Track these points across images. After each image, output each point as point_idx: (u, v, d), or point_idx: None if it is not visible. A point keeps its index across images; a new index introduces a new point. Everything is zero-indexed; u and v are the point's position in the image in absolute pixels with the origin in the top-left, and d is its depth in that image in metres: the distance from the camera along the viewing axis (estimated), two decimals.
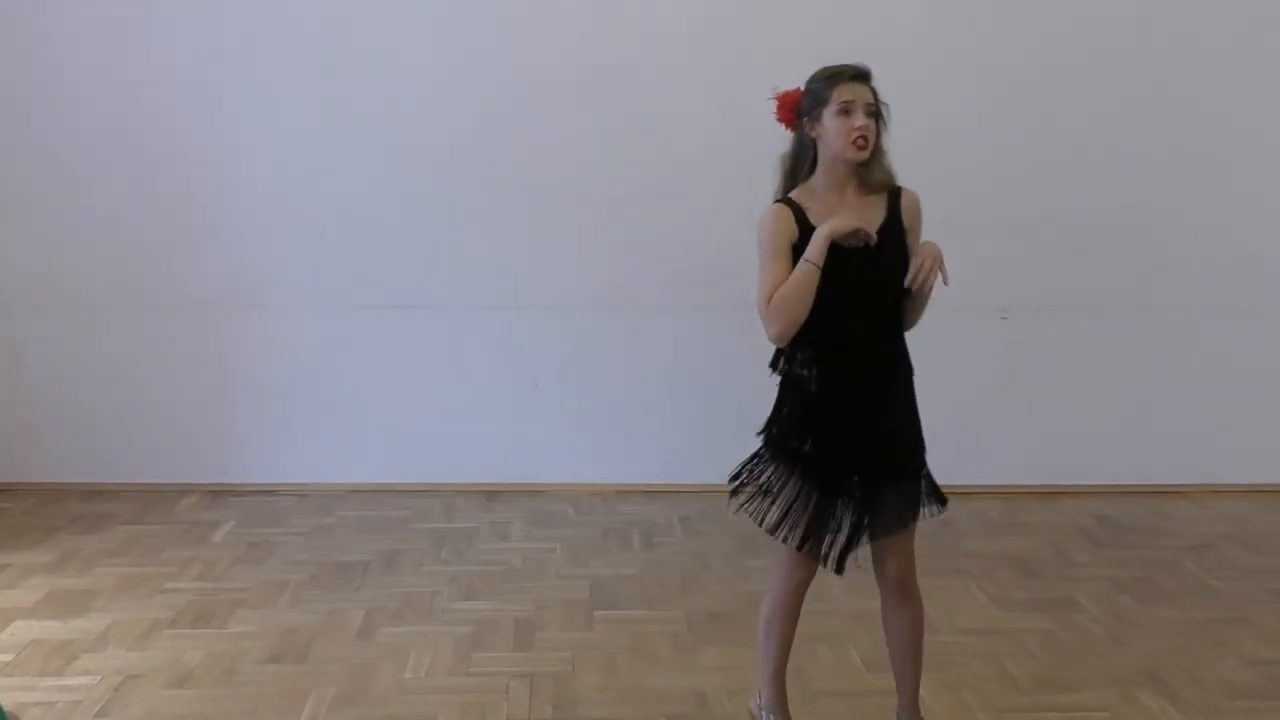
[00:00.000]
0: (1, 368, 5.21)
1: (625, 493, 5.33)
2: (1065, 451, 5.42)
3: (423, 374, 5.28)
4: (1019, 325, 5.13)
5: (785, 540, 2.76)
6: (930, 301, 2.67)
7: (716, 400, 5.35)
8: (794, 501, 2.74)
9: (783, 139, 5.32)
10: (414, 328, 5.26)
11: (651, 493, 5.33)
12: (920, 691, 2.99)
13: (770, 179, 5.35)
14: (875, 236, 2.57)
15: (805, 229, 2.64)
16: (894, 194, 2.71)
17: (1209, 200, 5.33)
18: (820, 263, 2.56)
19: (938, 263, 2.58)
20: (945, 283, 2.58)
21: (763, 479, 2.80)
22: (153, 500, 5.12)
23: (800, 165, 2.75)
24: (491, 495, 5.28)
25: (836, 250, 2.59)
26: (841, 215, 2.59)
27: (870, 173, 2.67)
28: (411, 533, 4.80)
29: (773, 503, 2.77)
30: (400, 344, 5.26)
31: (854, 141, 2.60)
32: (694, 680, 3.47)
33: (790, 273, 2.61)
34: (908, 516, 2.76)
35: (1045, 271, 5.17)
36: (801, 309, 2.59)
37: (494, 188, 5.17)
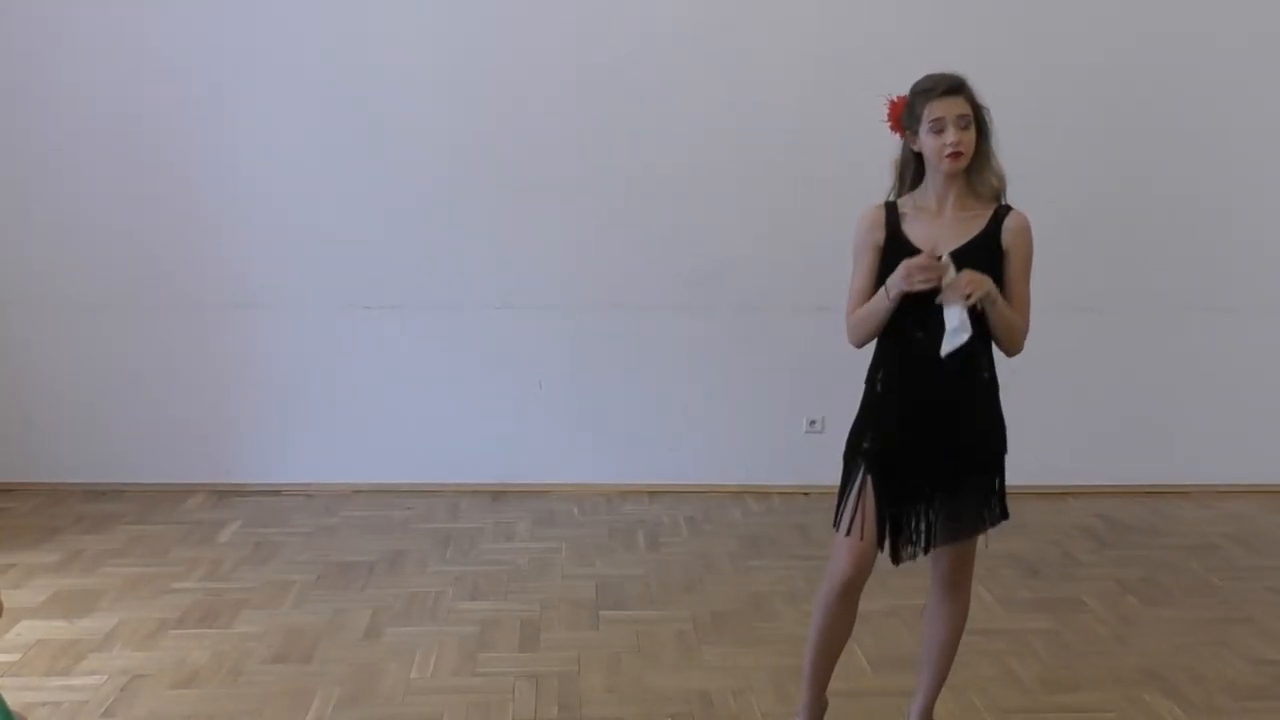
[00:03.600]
0: (6, 367, 5.22)
1: (629, 493, 5.34)
2: (1069, 452, 5.42)
3: (427, 374, 5.28)
4: None
5: (835, 525, 2.81)
6: (1014, 334, 2.69)
7: (721, 400, 5.36)
8: (849, 492, 2.79)
9: (777, 143, 5.37)
10: (418, 328, 5.27)
11: (656, 493, 5.33)
12: (937, 704, 3.03)
13: (768, 179, 5.40)
14: (932, 272, 2.59)
15: (894, 232, 2.71)
16: (1001, 211, 2.70)
17: (1211, 199, 5.33)
18: (893, 299, 2.65)
19: (972, 285, 2.57)
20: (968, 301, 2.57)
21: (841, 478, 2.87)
22: (158, 500, 5.13)
23: (906, 173, 2.79)
24: (496, 495, 5.29)
25: (907, 255, 2.65)
26: (905, 272, 2.62)
27: (972, 184, 2.68)
28: (416, 533, 4.81)
29: (838, 496, 2.84)
30: (405, 344, 5.27)
31: (948, 157, 2.64)
32: (699, 680, 3.48)
33: (869, 276, 2.74)
34: (969, 525, 2.79)
35: (1046, 271, 5.11)
36: (872, 331, 2.74)
37: (497, 188, 5.18)
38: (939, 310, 2.64)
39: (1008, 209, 2.71)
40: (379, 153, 5.14)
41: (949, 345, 2.60)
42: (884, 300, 2.67)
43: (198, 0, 5.02)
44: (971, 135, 2.63)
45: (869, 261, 2.75)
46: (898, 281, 2.62)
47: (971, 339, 2.60)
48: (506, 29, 5.09)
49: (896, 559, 2.84)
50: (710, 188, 5.20)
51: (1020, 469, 5.04)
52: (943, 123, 2.62)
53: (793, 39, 5.14)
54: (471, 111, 5.13)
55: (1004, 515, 2.83)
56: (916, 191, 2.76)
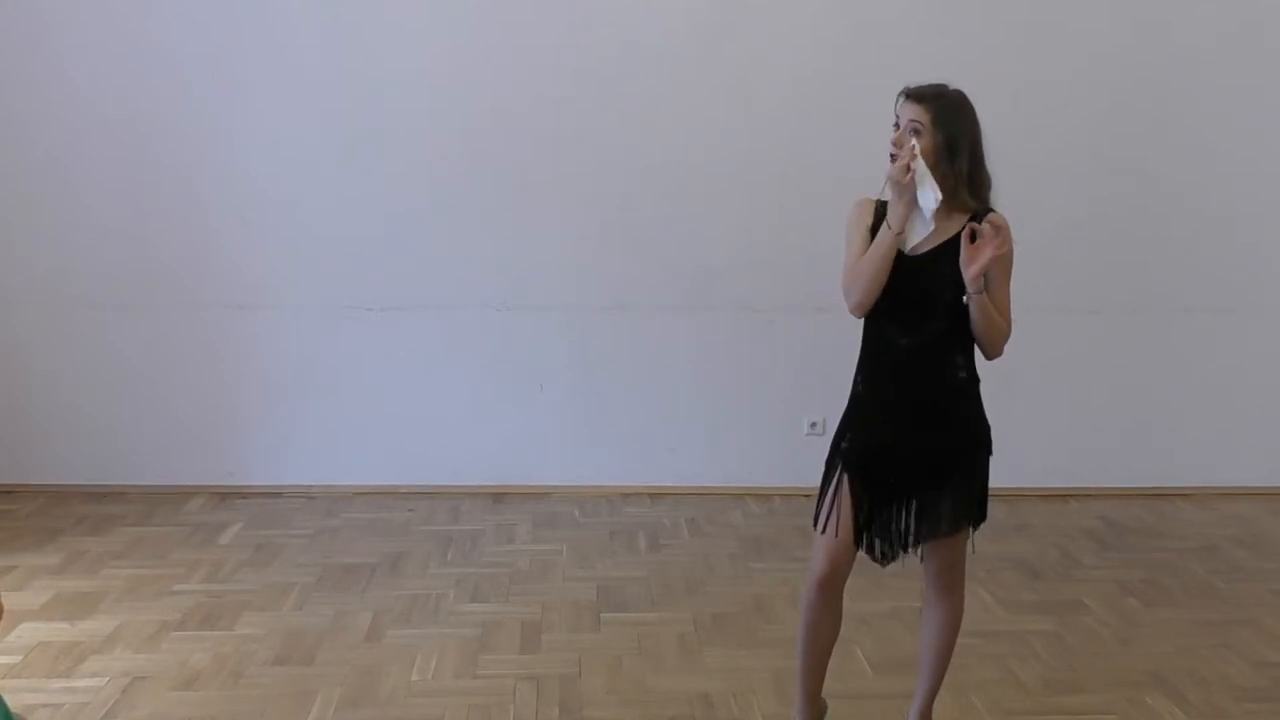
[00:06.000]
0: (8, 368, 5.22)
1: (631, 495, 5.34)
2: (1070, 453, 5.42)
3: (428, 376, 5.28)
4: (1023, 327, 5.07)
5: (814, 523, 2.83)
6: (995, 334, 2.70)
7: (722, 402, 5.36)
8: (828, 490, 2.82)
9: (778, 144, 5.38)
10: (419, 329, 5.27)
11: (657, 495, 5.33)
12: (935, 703, 3.03)
13: (768, 181, 5.40)
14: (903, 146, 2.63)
15: (879, 222, 2.75)
16: (980, 214, 2.71)
17: (1213, 200, 5.32)
18: (896, 230, 2.65)
19: (997, 233, 2.58)
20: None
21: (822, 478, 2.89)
22: (159, 502, 5.13)
23: None
24: (497, 497, 5.29)
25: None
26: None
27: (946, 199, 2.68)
28: (417, 535, 4.80)
29: (818, 495, 2.86)
30: (406, 346, 5.27)
31: (890, 156, 2.68)
32: (700, 682, 3.48)
33: (863, 250, 2.75)
34: (950, 525, 2.80)
35: (1049, 273, 5.16)
36: (873, 278, 2.69)
37: (498, 189, 5.18)
38: (921, 313, 2.68)
39: (988, 210, 2.72)
40: (380, 153, 5.15)
41: (916, 236, 2.68)
42: (886, 236, 2.67)
43: (200, 2, 5.03)
44: (920, 144, 2.64)
45: (862, 238, 2.77)
46: (893, 203, 2.65)
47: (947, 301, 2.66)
48: (507, 29, 5.10)
49: (882, 560, 2.85)
50: (711, 189, 5.21)
51: (1021, 471, 5.13)
52: (897, 123, 2.68)
53: (793, 41, 5.14)
54: (472, 112, 5.14)
55: (983, 517, 2.84)
56: None
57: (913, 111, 2.66)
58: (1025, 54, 5.15)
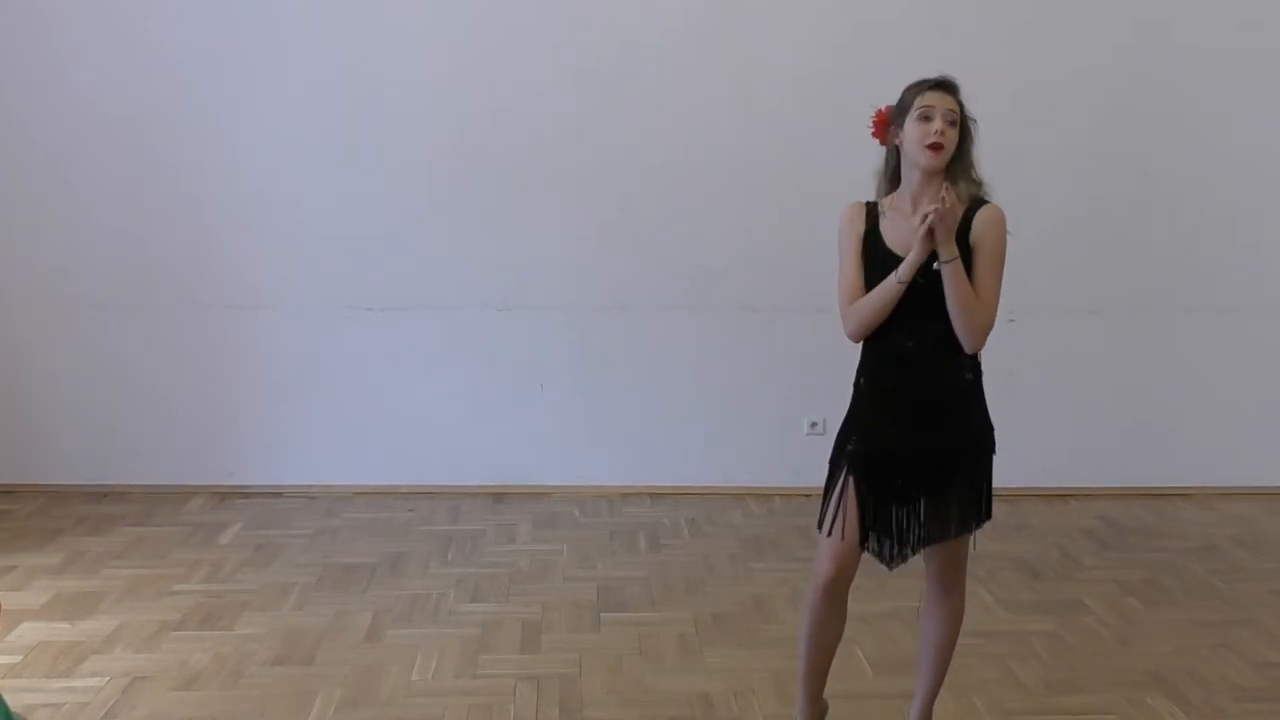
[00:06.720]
0: (8, 368, 5.22)
1: (631, 495, 5.34)
2: (1070, 453, 5.42)
3: (428, 376, 5.29)
4: (1023, 327, 5.10)
5: (819, 526, 2.82)
6: (970, 316, 2.65)
7: (722, 402, 5.36)
8: (833, 493, 2.80)
9: (778, 144, 5.38)
10: (419, 329, 5.27)
11: (657, 495, 5.33)
12: (935, 703, 3.03)
13: (769, 181, 5.40)
14: (939, 210, 2.56)
15: (873, 228, 2.75)
16: (974, 206, 2.70)
17: (1213, 200, 5.33)
18: (905, 280, 2.63)
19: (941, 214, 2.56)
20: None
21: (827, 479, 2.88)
22: (159, 502, 5.13)
23: (884, 180, 2.80)
24: (497, 497, 5.29)
25: (886, 258, 2.68)
26: (917, 246, 2.62)
27: (951, 184, 2.67)
28: (417, 535, 4.80)
29: (822, 498, 2.85)
30: (406, 346, 5.27)
31: (928, 146, 2.64)
32: (700, 682, 3.47)
33: (857, 266, 2.74)
34: (955, 526, 2.79)
35: (1049, 273, 5.16)
36: (875, 317, 2.70)
37: (498, 189, 5.18)
38: (924, 316, 2.67)
39: (982, 203, 2.72)
40: (380, 154, 5.15)
41: None
42: (892, 288, 2.66)
43: (201, 2, 5.03)
44: (955, 135, 2.65)
45: (855, 251, 2.76)
46: (906, 267, 2.63)
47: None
48: (507, 30, 5.10)
49: (889, 564, 2.84)
50: (711, 189, 5.21)
51: (1021, 470, 5.13)
52: (931, 111, 2.65)
53: (793, 41, 5.14)
54: (472, 113, 5.14)
55: (987, 516, 2.84)
56: (895, 194, 2.78)
57: (951, 103, 2.66)
58: (1025, 54, 5.15)
